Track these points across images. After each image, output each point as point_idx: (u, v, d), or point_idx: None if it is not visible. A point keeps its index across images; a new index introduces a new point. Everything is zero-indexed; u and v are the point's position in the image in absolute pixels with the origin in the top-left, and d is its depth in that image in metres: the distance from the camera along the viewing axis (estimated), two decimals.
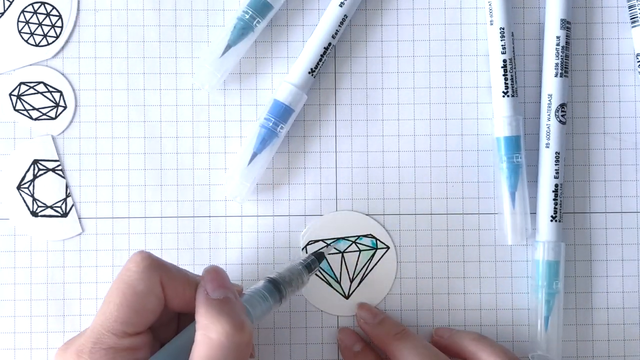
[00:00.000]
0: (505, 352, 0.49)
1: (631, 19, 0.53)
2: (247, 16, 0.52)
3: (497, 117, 0.52)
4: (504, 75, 0.52)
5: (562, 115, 0.52)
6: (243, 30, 0.52)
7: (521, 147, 0.52)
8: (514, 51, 0.52)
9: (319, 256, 0.50)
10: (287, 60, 0.54)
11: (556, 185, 0.52)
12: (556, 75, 0.52)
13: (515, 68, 0.52)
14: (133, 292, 0.43)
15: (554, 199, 0.52)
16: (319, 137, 0.53)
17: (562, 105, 0.52)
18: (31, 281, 0.52)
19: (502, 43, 0.52)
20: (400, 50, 0.54)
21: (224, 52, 0.52)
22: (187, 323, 0.45)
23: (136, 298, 0.43)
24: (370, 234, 0.53)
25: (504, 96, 0.52)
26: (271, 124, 0.51)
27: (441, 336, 0.52)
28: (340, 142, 0.53)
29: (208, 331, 0.42)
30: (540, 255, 0.52)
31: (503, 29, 0.52)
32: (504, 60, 0.52)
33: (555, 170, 0.52)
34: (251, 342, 0.44)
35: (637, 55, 0.53)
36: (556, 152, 0.52)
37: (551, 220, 0.52)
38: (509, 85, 0.52)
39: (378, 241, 0.53)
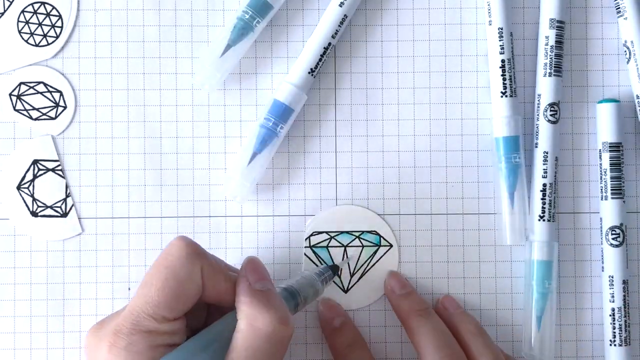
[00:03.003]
0: (497, 355, 0.49)
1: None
2: (247, 16, 0.52)
3: (496, 117, 0.52)
4: (502, 75, 0.52)
5: (551, 115, 0.52)
6: (243, 30, 0.52)
7: (520, 147, 0.52)
8: (512, 51, 0.52)
9: (334, 268, 0.51)
10: (287, 60, 0.54)
11: (544, 185, 0.52)
12: (545, 75, 0.52)
13: (514, 68, 0.52)
14: (175, 278, 0.43)
15: (542, 199, 0.52)
16: (319, 137, 0.53)
17: (552, 105, 0.52)
18: (31, 281, 0.52)
19: (501, 43, 0.52)
20: (400, 50, 0.54)
21: (224, 52, 0.52)
22: (216, 314, 0.46)
23: (178, 284, 0.43)
24: (374, 231, 0.53)
25: (502, 96, 0.52)
26: (271, 124, 0.51)
27: (446, 308, 0.52)
28: (340, 142, 0.53)
29: (255, 321, 0.43)
30: (529, 255, 0.52)
31: (501, 29, 0.52)
32: (502, 60, 0.52)
33: (544, 169, 0.52)
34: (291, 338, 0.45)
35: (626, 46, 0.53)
36: (544, 152, 0.52)
37: (539, 220, 0.52)
38: (507, 85, 0.52)
39: (382, 238, 0.53)
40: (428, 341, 0.48)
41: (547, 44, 0.52)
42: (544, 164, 0.52)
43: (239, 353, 0.43)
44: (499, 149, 0.52)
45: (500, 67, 0.52)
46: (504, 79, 0.52)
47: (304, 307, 0.48)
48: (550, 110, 0.52)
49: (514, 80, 0.52)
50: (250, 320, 0.43)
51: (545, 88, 0.52)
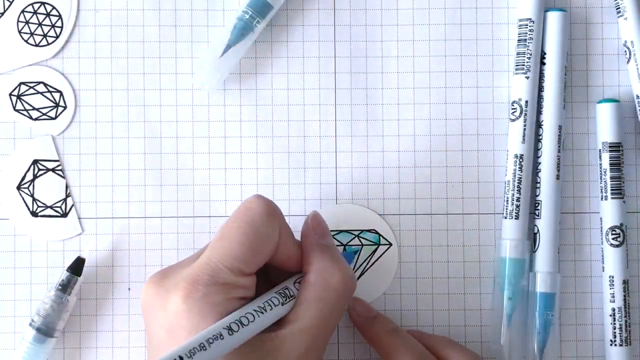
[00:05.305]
0: (477, 357, 0.50)
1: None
2: (247, 16, 0.52)
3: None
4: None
5: (511, 113, 0.52)
6: (243, 30, 0.52)
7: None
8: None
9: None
10: (287, 60, 0.54)
11: (507, 182, 0.52)
12: (513, 74, 0.53)
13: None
14: (255, 234, 0.44)
15: (505, 194, 0.52)
16: (319, 137, 0.53)
17: (512, 103, 0.52)
18: (31, 281, 0.52)
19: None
20: (400, 50, 0.54)
21: (224, 52, 0.52)
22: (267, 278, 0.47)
23: (258, 240, 0.44)
24: (373, 229, 0.53)
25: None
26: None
27: (359, 315, 0.51)
28: (340, 142, 0.53)
29: (328, 275, 0.45)
30: (501, 254, 0.52)
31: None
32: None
33: (506, 167, 0.52)
34: None
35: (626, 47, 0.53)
36: (506, 150, 0.52)
37: (504, 218, 0.52)
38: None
39: (381, 237, 0.53)
40: (407, 358, 0.48)
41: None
42: (507, 162, 0.52)
43: (310, 304, 0.44)
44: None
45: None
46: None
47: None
48: (511, 108, 0.52)
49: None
50: (323, 274, 0.45)
51: (512, 86, 0.53)
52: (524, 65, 0.52)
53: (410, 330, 0.52)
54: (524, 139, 0.52)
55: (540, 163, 0.52)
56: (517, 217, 0.52)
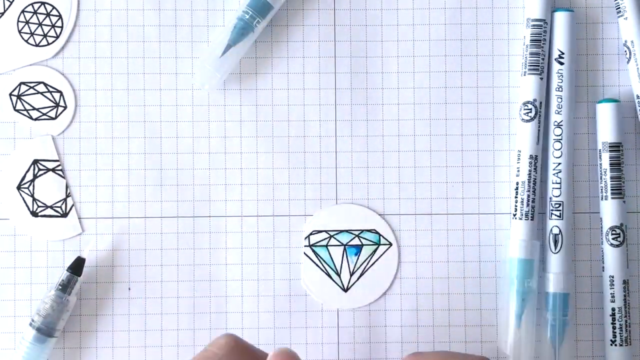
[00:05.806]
0: None
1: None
2: (247, 16, 0.52)
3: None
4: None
5: (524, 114, 0.52)
6: (243, 30, 0.52)
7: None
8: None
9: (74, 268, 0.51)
10: (287, 60, 0.54)
11: (517, 183, 0.52)
12: (522, 75, 0.52)
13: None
14: None
15: (515, 197, 0.52)
16: (319, 137, 0.53)
17: (525, 103, 0.52)
18: (31, 281, 0.52)
19: (519, 166, 0.52)
20: (401, 50, 0.54)
21: (224, 52, 0.52)
22: None
23: None
24: (374, 229, 0.53)
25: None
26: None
27: None
28: (340, 142, 0.53)
29: None
30: (510, 254, 0.52)
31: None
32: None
33: (517, 167, 0.52)
34: None
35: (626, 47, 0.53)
36: (519, 151, 0.52)
37: (513, 218, 0.52)
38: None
39: (381, 237, 0.53)
40: None
41: (524, 44, 0.52)
42: (517, 163, 0.52)
43: None
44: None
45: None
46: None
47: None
48: (524, 109, 0.52)
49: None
50: None
51: (522, 87, 0.53)
52: (538, 66, 0.52)
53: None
54: (538, 140, 0.52)
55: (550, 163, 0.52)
56: (532, 218, 0.52)
